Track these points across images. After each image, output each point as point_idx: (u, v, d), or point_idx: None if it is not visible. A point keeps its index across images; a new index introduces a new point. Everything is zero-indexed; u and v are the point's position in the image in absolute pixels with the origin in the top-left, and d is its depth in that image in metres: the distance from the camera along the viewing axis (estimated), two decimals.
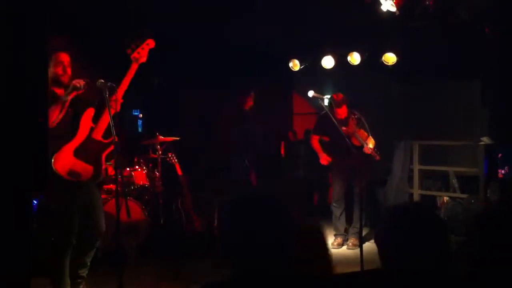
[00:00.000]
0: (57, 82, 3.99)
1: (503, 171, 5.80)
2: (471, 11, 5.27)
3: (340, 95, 5.98)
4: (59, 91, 4.02)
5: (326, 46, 6.73)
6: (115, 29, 5.76)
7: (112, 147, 3.92)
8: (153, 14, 5.89)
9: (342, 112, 5.95)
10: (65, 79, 4.00)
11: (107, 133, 4.04)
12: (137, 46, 4.12)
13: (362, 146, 5.82)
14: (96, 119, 4.08)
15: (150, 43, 4.17)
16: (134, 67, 4.12)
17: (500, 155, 5.80)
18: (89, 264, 4.20)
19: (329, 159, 6.08)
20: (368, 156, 5.80)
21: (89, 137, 4.04)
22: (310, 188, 8.29)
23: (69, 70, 4.02)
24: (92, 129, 4.06)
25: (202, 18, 6.02)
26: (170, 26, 6.13)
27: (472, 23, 5.52)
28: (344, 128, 5.66)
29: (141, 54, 4.12)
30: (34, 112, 2.38)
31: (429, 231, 1.81)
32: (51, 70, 3.91)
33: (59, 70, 3.97)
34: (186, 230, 5.89)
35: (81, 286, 4.20)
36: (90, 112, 4.10)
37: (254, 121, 6.12)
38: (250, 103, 6.07)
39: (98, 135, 4.06)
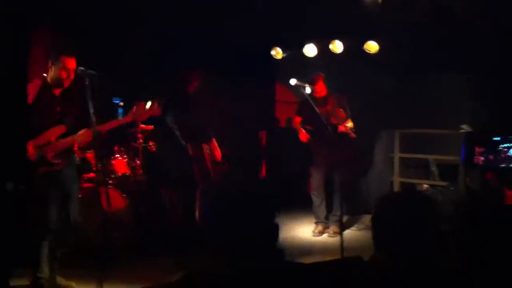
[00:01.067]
0: (58, 83, 4.07)
1: (482, 158, 5.87)
2: (462, 1, 5.30)
3: (320, 75, 6.02)
4: (57, 90, 4.10)
5: (309, 33, 6.71)
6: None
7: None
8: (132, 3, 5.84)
9: (320, 89, 5.95)
10: (66, 83, 4.08)
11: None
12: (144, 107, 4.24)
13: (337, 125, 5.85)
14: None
15: (155, 111, 4.29)
16: (127, 119, 4.27)
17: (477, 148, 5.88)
18: (59, 256, 4.22)
19: (308, 136, 6.07)
20: (346, 141, 5.80)
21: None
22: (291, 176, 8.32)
23: (72, 75, 4.06)
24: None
25: (181, 7, 5.97)
26: (149, 15, 6.06)
27: (458, 15, 5.55)
28: (323, 108, 5.68)
29: (141, 115, 4.25)
30: (15, 107, 2.36)
31: (423, 214, 1.84)
32: (55, 71, 4.02)
33: (63, 74, 4.03)
34: (168, 219, 5.86)
35: (57, 279, 4.21)
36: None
37: (204, 106, 5.64)
38: (195, 84, 5.59)
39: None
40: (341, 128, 5.83)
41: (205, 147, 5.48)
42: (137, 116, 4.25)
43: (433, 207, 1.91)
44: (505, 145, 5.69)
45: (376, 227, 1.91)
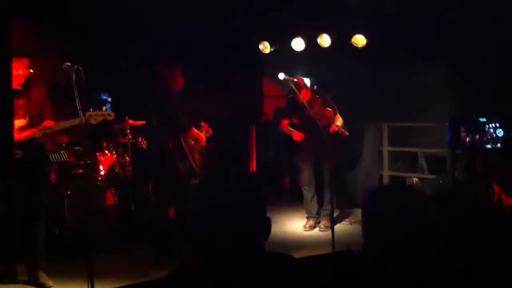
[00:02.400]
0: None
1: (468, 139, 5.96)
2: None
3: (300, 79, 6.00)
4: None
5: (296, 28, 6.70)
6: None
7: None
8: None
9: (304, 94, 5.95)
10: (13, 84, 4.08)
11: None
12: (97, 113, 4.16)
13: (329, 126, 5.81)
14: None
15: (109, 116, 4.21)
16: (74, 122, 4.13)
17: (462, 128, 5.98)
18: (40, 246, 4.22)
19: (303, 135, 6.03)
20: (336, 137, 5.80)
21: None
22: (280, 171, 8.33)
23: (21, 80, 4.09)
24: None
25: (169, 2, 5.94)
26: (135, 9, 6.02)
27: (439, 5, 5.58)
28: (309, 111, 5.67)
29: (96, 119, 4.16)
30: None
31: (412, 207, 1.84)
32: None
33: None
34: (156, 215, 5.83)
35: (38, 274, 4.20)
36: None
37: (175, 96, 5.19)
38: (180, 81, 5.20)
39: None
40: (333, 128, 5.79)
41: (188, 140, 5.28)
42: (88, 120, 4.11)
43: (422, 200, 1.91)
44: (491, 125, 5.79)
45: (365, 220, 1.91)
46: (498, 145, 5.76)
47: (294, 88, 5.54)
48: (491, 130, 5.79)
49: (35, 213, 4.17)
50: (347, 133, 5.88)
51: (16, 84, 4.05)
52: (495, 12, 5.60)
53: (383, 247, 1.84)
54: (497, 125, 5.75)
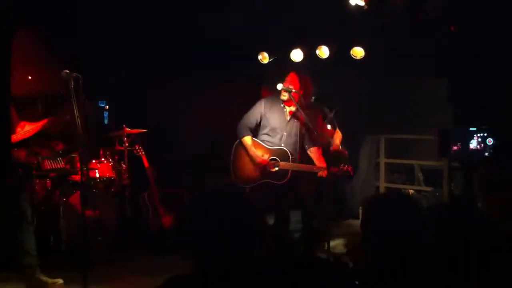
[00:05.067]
0: None
1: (455, 147, 6.03)
2: (438, 10, 5.35)
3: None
4: None
5: (295, 39, 6.73)
6: None
7: None
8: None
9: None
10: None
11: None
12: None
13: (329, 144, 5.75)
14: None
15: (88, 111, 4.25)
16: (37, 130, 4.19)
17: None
18: (32, 253, 4.20)
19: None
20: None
21: None
22: None
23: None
24: None
25: (169, 9, 5.96)
26: (136, 18, 6.04)
27: (439, 21, 5.62)
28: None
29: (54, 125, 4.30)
30: None
31: (410, 218, 1.85)
32: None
33: None
34: (152, 224, 5.82)
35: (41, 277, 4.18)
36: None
37: None
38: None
39: None
40: (334, 147, 5.66)
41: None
42: (48, 128, 4.23)
43: (420, 210, 1.92)
44: (480, 134, 5.87)
45: (365, 230, 1.91)
46: (486, 154, 5.83)
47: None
48: (480, 140, 5.88)
49: (16, 221, 4.17)
50: (346, 152, 5.78)
51: None
52: (491, 27, 5.66)
53: (382, 256, 1.84)
54: (486, 134, 5.84)
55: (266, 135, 4.99)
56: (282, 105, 4.99)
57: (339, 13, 5.80)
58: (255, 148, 4.95)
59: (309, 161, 5.13)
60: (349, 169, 5.08)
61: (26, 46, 4.63)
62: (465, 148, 5.95)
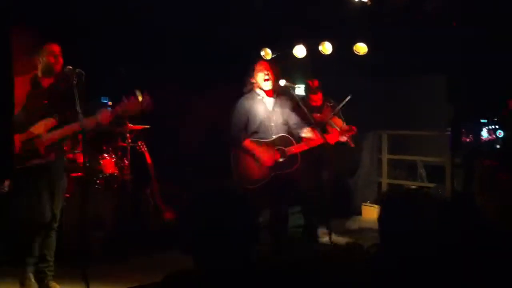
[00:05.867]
0: (49, 71, 4.09)
1: (468, 139, 6.05)
2: (437, 8, 5.35)
3: (316, 82, 5.88)
4: (48, 81, 4.12)
5: (298, 35, 6.72)
6: None
7: None
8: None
9: (318, 98, 5.87)
10: (57, 67, 4.09)
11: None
12: (131, 101, 4.12)
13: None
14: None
15: (144, 106, 4.13)
16: (115, 112, 4.15)
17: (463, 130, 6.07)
18: (50, 259, 4.17)
19: None
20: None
21: None
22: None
23: (60, 59, 4.10)
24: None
25: (171, 8, 5.96)
26: (138, 15, 6.04)
27: (439, 19, 5.61)
28: (318, 115, 5.59)
29: (129, 110, 4.16)
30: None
31: (429, 214, 1.85)
32: (43, 61, 4.08)
33: (51, 59, 4.07)
34: (153, 220, 5.84)
35: (46, 281, 4.16)
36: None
37: None
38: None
39: None
40: (341, 138, 5.30)
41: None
42: (102, 119, 4.10)
43: (443, 207, 1.93)
44: (491, 127, 5.88)
45: (383, 223, 1.91)
46: (497, 146, 5.85)
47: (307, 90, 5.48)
48: (491, 131, 5.91)
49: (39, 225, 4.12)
50: (353, 145, 5.52)
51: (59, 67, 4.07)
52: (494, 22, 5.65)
53: (399, 248, 1.84)
54: (497, 126, 5.85)
55: (256, 133, 4.88)
56: (260, 97, 4.92)
57: (343, 9, 5.79)
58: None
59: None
60: (353, 127, 5.09)
61: (26, 43, 4.62)
62: (477, 139, 5.99)
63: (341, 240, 5.90)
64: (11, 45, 2.57)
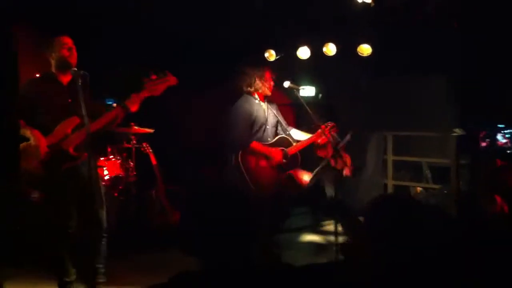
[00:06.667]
0: (64, 65, 3.89)
1: (484, 144, 6.05)
2: (438, 8, 5.35)
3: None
4: (65, 77, 3.93)
5: (302, 36, 6.72)
6: None
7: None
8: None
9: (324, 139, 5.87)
10: (72, 60, 3.89)
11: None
12: (158, 79, 3.98)
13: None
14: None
15: (171, 81, 4.02)
16: (143, 95, 3.97)
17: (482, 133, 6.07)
18: (102, 270, 4.07)
19: None
20: None
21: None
22: None
23: (74, 51, 3.91)
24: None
25: (174, 8, 5.97)
26: (144, 17, 6.06)
27: (440, 19, 5.60)
28: (323, 151, 5.45)
29: (158, 88, 3.98)
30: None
31: (410, 220, 1.84)
32: (56, 55, 3.88)
33: (65, 52, 3.87)
34: (158, 221, 5.85)
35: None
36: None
37: None
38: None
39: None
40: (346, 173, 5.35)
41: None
42: (128, 107, 3.93)
43: (424, 212, 1.92)
44: (508, 131, 5.89)
45: (367, 229, 1.92)
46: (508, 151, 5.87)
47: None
48: (508, 136, 5.93)
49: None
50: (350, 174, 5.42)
51: (74, 60, 3.88)
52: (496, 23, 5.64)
53: (384, 256, 1.84)
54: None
55: (256, 136, 4.89)
56: (257, 101, 4.96)
57: (346, 10, 5.78)
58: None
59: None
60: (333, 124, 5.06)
61: (32, 43, 4.61)
62: (494, 143, 6.00)
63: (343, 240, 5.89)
64: (16, 44, 2.56)
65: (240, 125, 4.83)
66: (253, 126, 4.88)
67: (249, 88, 4.93)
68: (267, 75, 4.99)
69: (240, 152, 4.81)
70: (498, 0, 5.46)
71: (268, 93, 4.95)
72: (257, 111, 4.91)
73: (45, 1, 5.37)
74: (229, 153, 4.82)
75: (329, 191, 6.05)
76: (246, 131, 4.82)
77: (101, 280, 4.06)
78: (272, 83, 4.98)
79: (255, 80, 4.91)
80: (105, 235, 4.04)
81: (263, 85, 4.90)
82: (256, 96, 5.02)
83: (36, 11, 5.25)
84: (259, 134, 4.88)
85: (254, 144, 4.82)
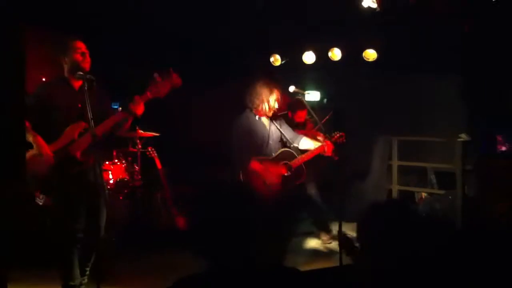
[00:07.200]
0: (77, 69, 3.86)
1: (504, 148, 6.03)
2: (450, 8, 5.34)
3: (300, 100, 5.73)
4: (77, 82, 3.89)
5: (307, 41, 6.73)
6: None
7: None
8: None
9: (303, 115, 5.96)
10: (85, 65, 3.87)
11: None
12: (162, 80, 3.93)
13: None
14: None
15: (175, 82, 3.97)
16: (147, 97, 3.93)
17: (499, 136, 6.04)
18: (88, 272, 4.09)
19: None
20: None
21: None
22: None
23: (87, 56, 3.90)
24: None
25: (180, 12, 5.99)
26: (149, 19, 6.08)
27: (450, 20, 5.60)
28: (302, 130, 5.53)
29: (161, 90, 3.93)
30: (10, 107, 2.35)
31: (404, 228, 1.84)
32: (70, 60, 3.86)
33: (78, 57, 3.85)
34: (165, 225, 5.85)
35: None
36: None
37: None
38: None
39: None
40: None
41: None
42: (133, 110, 3.89)
43: (417, 219, 1.92)
44: None
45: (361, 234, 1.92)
46: None
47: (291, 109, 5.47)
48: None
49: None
50: (337, 158, 5.17)
51: (87, 65, 3.86)
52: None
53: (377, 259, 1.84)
54: None
55: (258, 153, 4.78)
56: (257, 117, 4.83)
57: (352, 15, 5.79)
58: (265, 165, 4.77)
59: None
60: (342, 134, 4.95)
61: (39, 46, 4.60)
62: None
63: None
64: (23, 46, 2.55)
65: (237, 147, 4.75)
66: (251, 144, 4.77)
67: (252, 106, 4.82)
68: (277, 97, 4.79)
69: (241, 172, 4.73)
70: (507, 2, 5.43)
71: (269, 114, 4.84)
72: (256, 128, 4.81)
73: (45, 1, 5.37)
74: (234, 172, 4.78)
75: (311, 190, 6.07)
76: (242, 152, 4.73)
77: (85, 281, 4.10)
78: (278, 105, 4.82)
79: (262, 103, 4.77)
80: (99, 242, 4.03)
81: (270, 109, 4.77)
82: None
83: (37, 11, 5.25)
84: (262, 150, 4.84)
85: (253, 165, 4.70)
